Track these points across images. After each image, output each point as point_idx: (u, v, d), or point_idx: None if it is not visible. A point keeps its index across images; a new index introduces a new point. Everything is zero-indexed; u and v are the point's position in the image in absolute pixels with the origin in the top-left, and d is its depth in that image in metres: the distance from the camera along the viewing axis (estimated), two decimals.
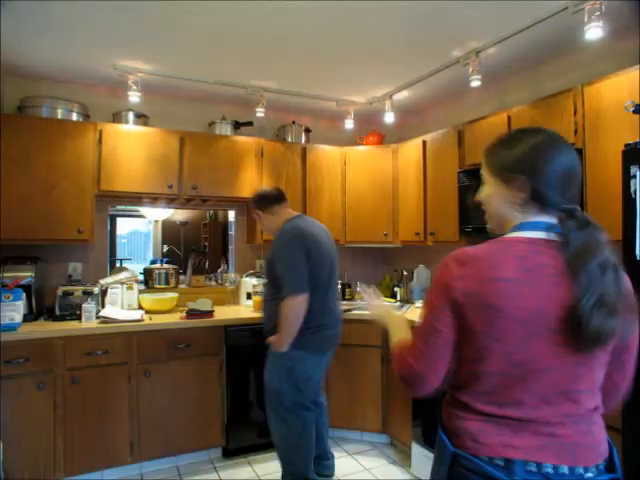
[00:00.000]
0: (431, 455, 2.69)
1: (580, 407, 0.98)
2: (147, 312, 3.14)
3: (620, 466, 1.01)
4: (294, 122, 3.84)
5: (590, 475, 0.95)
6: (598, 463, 0.97)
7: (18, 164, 2.82)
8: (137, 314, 2.98)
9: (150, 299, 3.21)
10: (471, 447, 0.98)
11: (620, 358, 1.03)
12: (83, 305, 2.86)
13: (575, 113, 2.33)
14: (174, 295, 3.32)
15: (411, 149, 3.57)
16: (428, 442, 2.76)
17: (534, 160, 1.02)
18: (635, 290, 1.01)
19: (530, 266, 0.96)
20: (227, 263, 3.86)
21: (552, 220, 1.02)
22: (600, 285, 0.93)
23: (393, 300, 3.85)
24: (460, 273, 0.99)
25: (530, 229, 1.02)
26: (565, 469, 0.94)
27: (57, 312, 2.90)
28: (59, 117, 3.01)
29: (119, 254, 3.86)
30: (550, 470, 0.93)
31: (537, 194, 1.02)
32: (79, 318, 2.87)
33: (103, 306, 3.08)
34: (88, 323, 2.80)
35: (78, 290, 2.99)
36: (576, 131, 2.32)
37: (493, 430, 0.97)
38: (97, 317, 2.88)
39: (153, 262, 4.00)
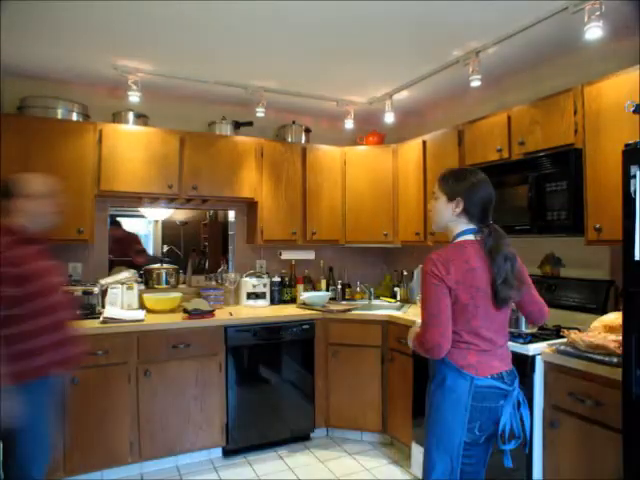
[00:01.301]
0: None
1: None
2: (149, 312, 3.15)
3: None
4: (294, 122, 3.84)
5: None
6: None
7: (18, 164, 2.81)
8: (140, 314, 2.98)
9: (153, 299, 3.21)
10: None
11: (524, 305, 1.77)
12: None
13: (575, 113, 2.33)
14: (177, 295, 3.32)
15: (411, 149, 3.57)
16: None
17: (470, 191, 1.66)
18: (635, 290, 1.06)
19: (475, 259, 1.61)
20: (227, 263, 3.86)
21: (475, 228, 1.67)
22: (504, 270, 1.59)
23: (393, 300, 3.85)
24: (447, 270, 1.58)
25: (468, 234, 1.67)
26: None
27: None
28: (59, 117, 3.01)
29: None
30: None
31: (467, 211, 1.66)
32: (79, 318, 2.87)
33: (103, 306, 3.08)
34: (90, 322, 2.79)
35: (78, 290, 2.99)
36: (576, 131, 2.32)
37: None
38: (96, 316, 2.88)
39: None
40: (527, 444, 1.80)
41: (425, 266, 1.62)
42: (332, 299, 3.81)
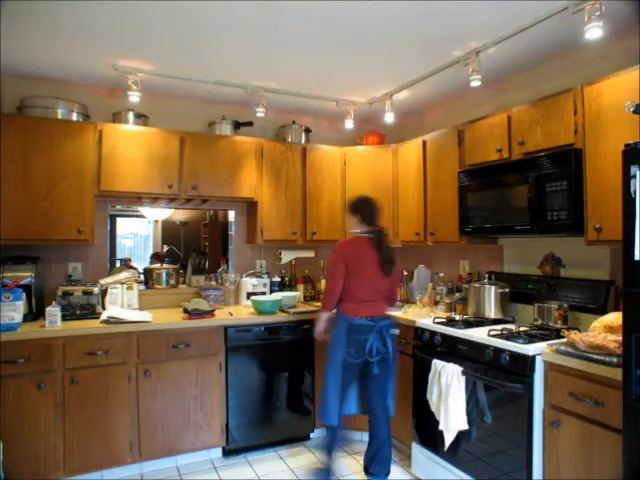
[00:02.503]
0: (431, 455, 2.69)
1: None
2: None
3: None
4: (294, 122, 3.84)
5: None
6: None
7: (18, 164, 2.82)
8: (148, 315, 2.98)
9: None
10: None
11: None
12: (47, 309, 2.70)
13: (575, 113, 2.33)
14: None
15: (411, 149, 3.57)
16: (428, 442, 2.76)
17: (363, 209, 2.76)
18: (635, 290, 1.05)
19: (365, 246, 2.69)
20: (227, 263, 3.86)
21: (368, 229, 2.73)
22: (386, 254, 2.70)
23: None
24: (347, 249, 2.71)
25: (364, 233, 2.73)
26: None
27: None
28: (59, 117, 3.01)
29: (119, 254, 3.86)
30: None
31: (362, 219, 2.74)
32: (79, 318, 2.88)
33: (103, 306, 3.08)
34: (90, 322, 2.80)
35: (78, 290, 2.99)
36: (576, 131, 2.32)
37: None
38: (95, 316, 2.88)
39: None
40: (390, 359, 2.70)
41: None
42: (313, 299, 3.92)
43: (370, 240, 2.71)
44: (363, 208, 2.78)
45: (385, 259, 2.70)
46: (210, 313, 3.10)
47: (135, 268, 3.68)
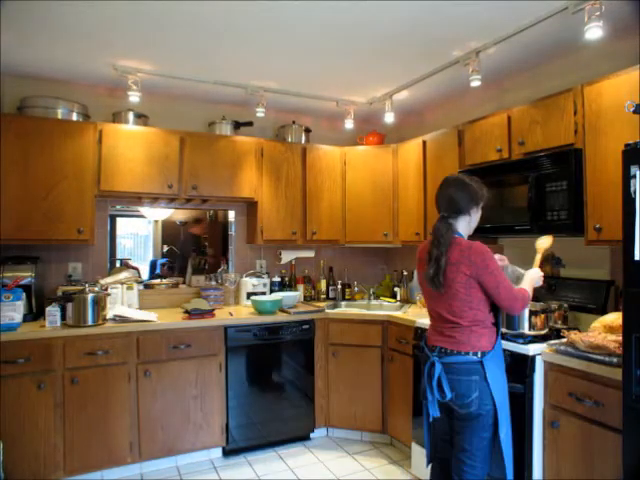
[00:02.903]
0: None
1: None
2: None
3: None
4: (294, 122, 3.84)
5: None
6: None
7: (18, 164, 2.82)
8: (153, 315, 2.98)
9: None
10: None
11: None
12: (47, 309, 2.70)
13: (575, 113, 2.33)
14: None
15: (411, 149, 3.57)
16: None
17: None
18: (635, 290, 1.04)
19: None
20: (227, 263, 3.86)
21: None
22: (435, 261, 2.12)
23: (393, 300, 3.85)
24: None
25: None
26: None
27: None
28: (59, 117, 3.00)
29: (119, 254, 3.86)
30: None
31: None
32: None
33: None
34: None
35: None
36: (576, 131, 2.32)
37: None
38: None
39: (153, 262, 4.00)
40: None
41: (489, 252, 1.94)
42: (313, 299, 3.91)
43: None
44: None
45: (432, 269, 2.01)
46: (210, 313, 3.10)
47: (135, 268, 3.68)
